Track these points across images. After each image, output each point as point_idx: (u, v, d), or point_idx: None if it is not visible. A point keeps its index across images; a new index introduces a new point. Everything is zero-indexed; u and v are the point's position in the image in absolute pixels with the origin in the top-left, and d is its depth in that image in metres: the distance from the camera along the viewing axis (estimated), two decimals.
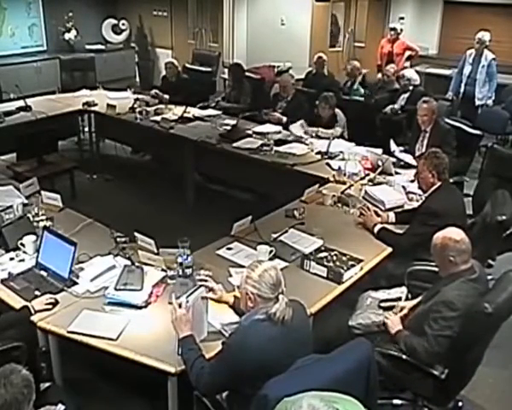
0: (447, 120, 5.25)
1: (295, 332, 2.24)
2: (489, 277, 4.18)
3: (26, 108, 6.06)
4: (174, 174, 6.09)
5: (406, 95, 6.43)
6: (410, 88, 6.42)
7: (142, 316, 2.72)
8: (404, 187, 4.15)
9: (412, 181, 4.13)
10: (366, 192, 4.05)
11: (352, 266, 3.10)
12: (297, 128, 5.41)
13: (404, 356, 2.68)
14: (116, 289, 2.82)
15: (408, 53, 8.10)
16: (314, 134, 5.35)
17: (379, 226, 3.55)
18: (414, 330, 2.75)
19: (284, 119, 5.84)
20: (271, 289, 2.21)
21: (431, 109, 4.82)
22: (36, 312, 2.69)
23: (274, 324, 2.17)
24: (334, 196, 4.00)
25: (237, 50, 9.33)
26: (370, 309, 3.07)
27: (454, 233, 2.74)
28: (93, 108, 6.39)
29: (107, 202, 5.60)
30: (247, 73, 7.40)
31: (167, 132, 5.66)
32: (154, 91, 6.74)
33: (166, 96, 6.58)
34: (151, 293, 2.84)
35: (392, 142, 4.98)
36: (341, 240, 3.41)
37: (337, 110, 5.61)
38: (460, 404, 3.17)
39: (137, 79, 10.49)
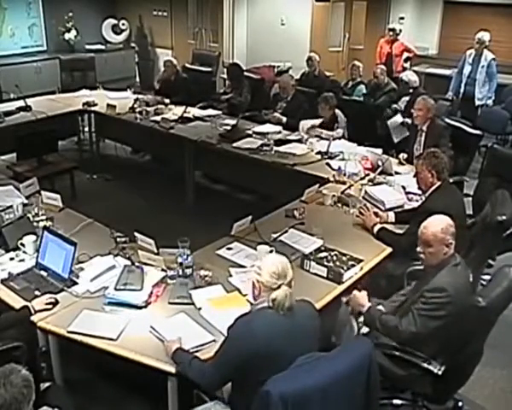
0: (447, 120, 5.25)
1: (301, 325, 2.28)
2: (489, 277, 4.21)
3: (26, 108, 6.06)
4: (174, 174, 6.09)
5: (406, 98, 6.43)
6: (410, 91, 6.41)
7: (142, 316, 2.72)
8: (403, 187, 4.15)
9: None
10: (366, 192, 4.06)
11: (352, 266, 3.10)
12: (306, 126, 5.34)
13: (403, 354, 2.68)
14: (116, 289, 2.82)
15: (406, 55, 8.11)
16: (316, 135, 5.32)
17: (378, 226, 3.55)
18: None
19: (284, 119, 5.85)
20: (275, 278, 2.26)
21: (426, 106, 4.81)
22: (36, 312, 2.69)
23: (278, 312, 2.23)
24: (334, 196, 4.00)
25: (237, 50, 9.34)
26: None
27: (445, 218, 2.79)
28: (93, 108, 6.39)
29: (107, 202, 5.59)
30: (247, 74, 7.41)
31: (167, 132, 5.66)
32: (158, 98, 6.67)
33: (167, 101, 6.52)
34: (151, 293, 2.84)
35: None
36: (341, 240, 3.41)
37: (337, 111, 5.61)
38: (460, 404, 3.17)
39: (137, 79, 10.49)
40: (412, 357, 2.66)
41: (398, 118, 5.83)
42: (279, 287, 2.25)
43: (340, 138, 5.28)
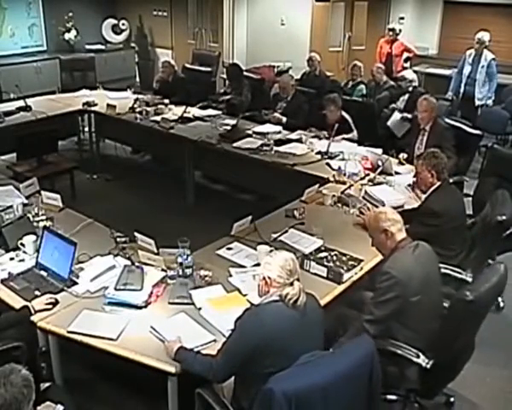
0: (447, 120, 5.25)
1: (308, 319, 2.30)
2: None
3: (26, 108, 6.06)
4: (174, 174, 6.09)
5: (405, 96, 6.43)
6: (410, 89, 6.42)
7: (142, 316, 2.72)
8: (408, 188, 4.13)
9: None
10: (366, 192, 4.05)
11: (353, 266, 3.10)
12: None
13: (394, 349, 2.68)
14: (116, 289, 2.83)
15: (406, 55, 8.11)
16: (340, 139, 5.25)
17: None
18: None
19: (284, 119, 5.85)
20: (288, 274, 2.30)
21: (430, 106, 4.84)
22: (36, 312, 2.69)
23: (287, 305, 2.26)
24: (334, 196, 4.00)
25: (237, 50, 9.33)
26: None
27: (383, 208, 2.95)
28: (93, 108, 6.39)
29: (107, 202, 5.60)
30: (247, 73, 7.41)
31: (167, 132, 5.66)
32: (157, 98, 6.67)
33: (167, 101, 6.51)
34: (151, 293, 2.84)
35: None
36: (341, 240, 3.41)
37: (344, 113, 5.57)
38: (452, 399, 3.20)
39: (137, 79, 10.49)
40: (402, 350, 2.66)
41: (397, 115, 5.84)
42: (292, 283, 2.29)
43: (357, 142, 5.22)
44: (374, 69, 7.00)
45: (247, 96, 6.71)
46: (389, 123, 5.72)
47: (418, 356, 2.65)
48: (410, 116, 5.73)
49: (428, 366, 2.62)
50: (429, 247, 2.86)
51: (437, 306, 2.78)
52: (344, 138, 5.23)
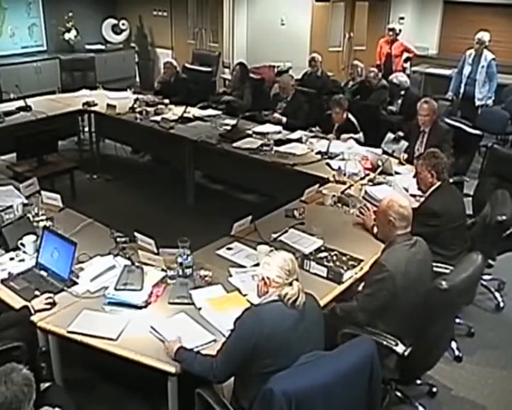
0: (447, 120, 5.25)
1: (307, 318, 2.31)
2: (489, 276, 4.21)
3: (26, 108, 6.06)
4: (174, 174, 6.10)
5: (399, 100, 6.42)
6: (402, 93, 6.41)
7: (142, 316, 2.72)
8: (406, 189, 4.13)
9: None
10: (366, 192, 4.05)
11: (353, 266, 3.10)
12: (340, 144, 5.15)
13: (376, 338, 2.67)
14: (116, 289, 2.82)
15: (405, 55, 8.11)
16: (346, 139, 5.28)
17: None
18: None
19: (284, 119, 5.85)
20: (286, 274, 2.31)
21: (432, 109, 4.84)
22: (36, 312, 2.69)
23: (286, 305, 2.27)
24: (334, 196, 4.00)
25: (237, 50, 9.33)
26: None
27: (401, 199, 2.91)
28: (93, 108, 6.39)
29: (107, 202, 5.60)
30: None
31: (167, 132, 5.66)
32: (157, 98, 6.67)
33: (167, 101, 6.52)
34: (151, 293, 2.84)
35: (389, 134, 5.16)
36: (341, 240, 3.41)
37: (350, 115, 5.55)
38: (434, 390, 3.23)
39: (137, 79, 10.50)
40: (380, 337, 2.67)
41: (390, 136, 5.68)
42: (291, 283, 2.30)
43: (361, 143, 5.21)
44: (371, 75, 6.98)
45: (249, 99, 6.71)
46: (383, 145, 5.56)
47: (397, 344, 2.68)
48: (402, 134, 5.59)
49: (406, 354, 2.65)
50: (426, 245, 2.87)
51: (421, 304, 2.78)
52: (351, 138, 5.23)
